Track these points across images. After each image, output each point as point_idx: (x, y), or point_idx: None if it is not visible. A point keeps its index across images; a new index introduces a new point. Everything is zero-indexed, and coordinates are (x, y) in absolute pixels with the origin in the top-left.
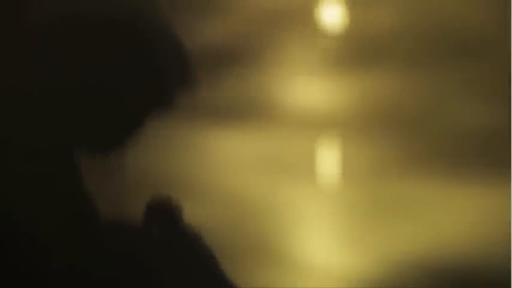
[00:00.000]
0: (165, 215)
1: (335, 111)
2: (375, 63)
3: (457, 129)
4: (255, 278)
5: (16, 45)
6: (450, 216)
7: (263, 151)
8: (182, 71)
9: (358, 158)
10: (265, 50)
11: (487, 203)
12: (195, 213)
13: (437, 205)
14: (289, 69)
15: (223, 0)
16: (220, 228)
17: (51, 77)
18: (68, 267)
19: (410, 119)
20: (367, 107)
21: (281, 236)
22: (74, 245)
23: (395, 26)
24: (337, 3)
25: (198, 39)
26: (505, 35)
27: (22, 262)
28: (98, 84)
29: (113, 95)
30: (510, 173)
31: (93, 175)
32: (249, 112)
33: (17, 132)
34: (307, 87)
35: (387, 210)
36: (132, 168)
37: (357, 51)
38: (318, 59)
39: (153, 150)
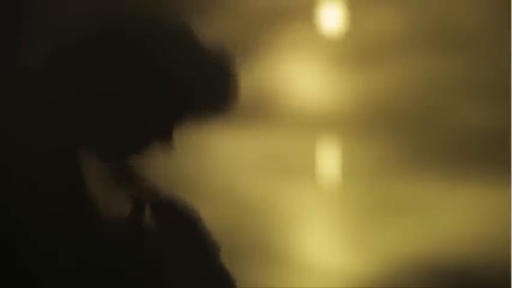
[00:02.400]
0: (152, 205)
1: (335, 111)
2: (375, 63)
3: (457, 129)
4: (255, 277)
5: (41, 51)
6: (450, 216)
7: (263, 151)
8: (217, 90)
9: (358, 158)
10: (265, 50)
11: (487, 203)
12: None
13: (437, 205)
14: (289, 69)
15: (224, 0)
16: (221, 227)
17: (74, 84)
18: (69, 266)
19: (410, 119)
20: (367, 107)
21: (281, 235)
22: (75, 245)
23: (395, 26)
24: (337, 3)
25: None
26: (505, 34)
27: (23, 261)
28: (121, 95)
29: (137, 108)
30: (510, 173)
31: (96, 174)
32: (249, 112)
33: (35, 135)
34: (307, 87)
35: (387, 210)
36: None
37: (357, 51)
38: (318, 59)
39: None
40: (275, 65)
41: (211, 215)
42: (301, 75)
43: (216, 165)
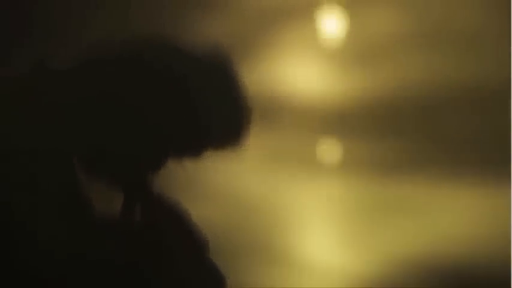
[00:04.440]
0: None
1: (335, 111)
2: (375, 63)
3: (456, 129)
4: (255, 277)
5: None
6: (450, 216)
7: (263, 151)
8: (226, 128)
9: (358, 158)
10: (265, 49)
11: (486, 203)
12: (195, 212)
13: (437, 205)
14: (289, 69)
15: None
16: (221, 227)
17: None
18: (62, 263)
19: (410, 119)
20: (367, 107)
21: (281, 235)
22: (72, 245)
23: (396, 26)
24: (338, 3)
25: (199, 39)
26: (505, 34)
27: (21, 261)
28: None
29: (136, 132)
30: (510, 173)
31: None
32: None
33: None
34: (308, 87)
35: (387, 210)
36: None
37: (357, 51)
38: (319, 59)
39: None
40: (275, 65)
41: (211, 215)
42: (301, 75)
43: (216, 165)
